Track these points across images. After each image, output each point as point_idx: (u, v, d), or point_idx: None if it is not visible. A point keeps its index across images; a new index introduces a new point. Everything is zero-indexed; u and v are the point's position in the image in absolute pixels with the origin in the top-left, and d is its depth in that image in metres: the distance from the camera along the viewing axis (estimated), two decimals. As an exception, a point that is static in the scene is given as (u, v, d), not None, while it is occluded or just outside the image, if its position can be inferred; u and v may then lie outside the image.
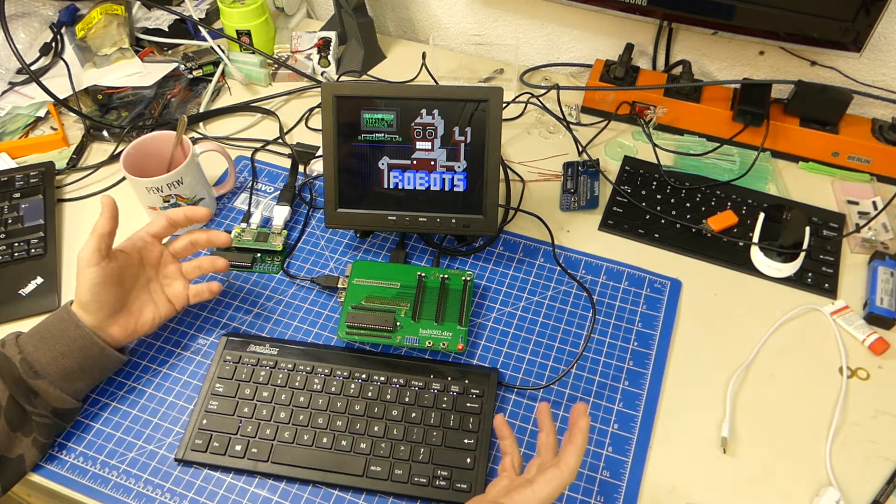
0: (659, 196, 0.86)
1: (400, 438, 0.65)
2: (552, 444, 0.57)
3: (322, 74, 1.04)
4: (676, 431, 0.67)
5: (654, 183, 0.87)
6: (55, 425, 0.65)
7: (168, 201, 0.79)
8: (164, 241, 0.72)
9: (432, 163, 0.76)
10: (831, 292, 0.77)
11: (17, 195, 0.85)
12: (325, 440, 0.65)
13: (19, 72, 1.00)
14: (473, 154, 0.75)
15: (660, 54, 0.99)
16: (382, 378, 0.69)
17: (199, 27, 1.02)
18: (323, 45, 1.03)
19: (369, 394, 0.68)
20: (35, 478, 0.64)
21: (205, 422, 0.67)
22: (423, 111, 0.74)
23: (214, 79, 1.00)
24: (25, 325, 0.75)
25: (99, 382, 0.69)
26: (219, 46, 1.01)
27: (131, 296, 0.68)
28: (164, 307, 0.70)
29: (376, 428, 0.66)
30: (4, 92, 0.98)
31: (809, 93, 0.86)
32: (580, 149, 0.92)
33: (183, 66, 1.00)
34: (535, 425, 0.67)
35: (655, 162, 0.89)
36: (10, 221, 0.83)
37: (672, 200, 0.86)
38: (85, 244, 0.63)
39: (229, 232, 0.82)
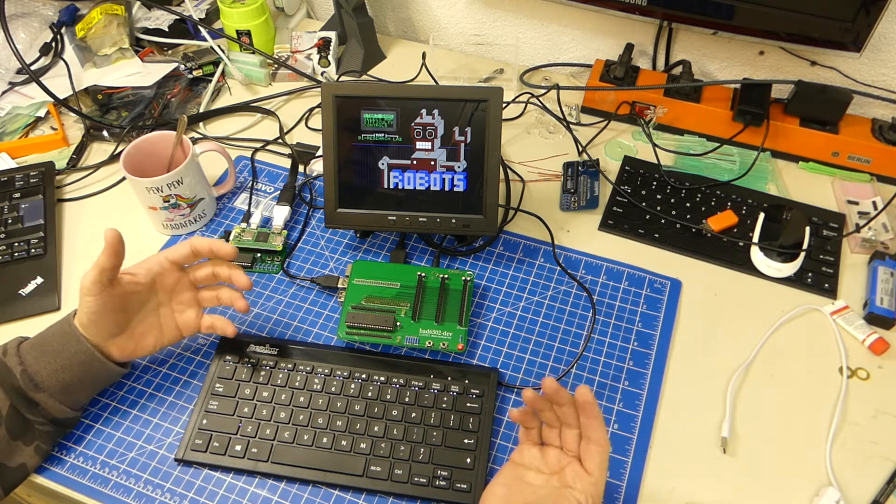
0: (659, 196, 0.86)
1: (400, 438, 0.65)
2: (575, 413, 0.57)
3: (322, 74, 1.04)
4: (676, 431, 0.67)
5: (654, 183, 0.87)
6: (57, 432, 0.65)
7: (168, 201, 0.79)
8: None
9: (432, 163, 0.76)
10: (831, 292, 0.77)
11: (17, 195, 0.85)
12: (325, 440, 0.65)
13: (19, 72, 1.00)
14: (473, 154, 0.75)
15: (660, 54, 0.99)
16: (382, 378, 0.69)
17: (199, 27, 1.02)
18: (323, 45, 1.03)
19: (369, 394, 0.68)
20: (35, 478, 0.64)
21: (205, 422, 0.67)
22: (423, 111, 0.74)
23: (214, 79, 1.00)
24: (25, 325, 0.75)
25: (98, 392, 0.68)
26: (219, 46, 1.01)
27: (135, 319, 0.66)
28: (169, 333, 0.68)
29: (376, 428, 0.66)
30: (4, 92, 0.98)
31: (809, 93, 0.86)
32: (580, 149, 0.92)
33: (183, 66, 1.00)
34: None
35: (655, 162, 0.89)
36: (10, 221, 0.83)
37: (672, 200, 0.86)
38: (88, 272, 0.61)
39: (230, 232, 0.82)
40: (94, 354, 0.63)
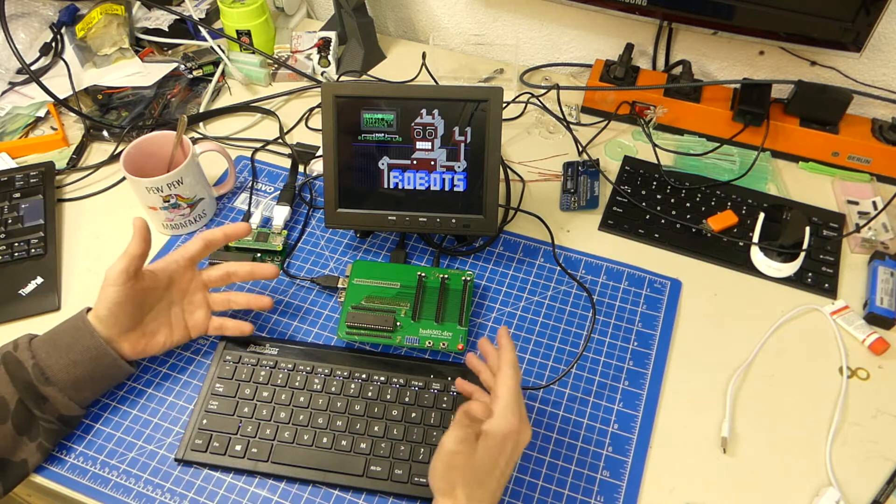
0: (659, 196, 0.86)
1: (400, 438, 0.65)
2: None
3: (322, 74, 1.04)
4: (676, 431, 0.67)
5: (654, 183, 0.87)
6: (60, 431, 0.65)
7: (168, 201, 0.79)
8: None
9: (432, 163, 0.76)
10: (831, 292, 0.77)
11: (17, 195, 0.85)
12: (325, 440, 0.65)
13: (19, 72, 1.00)
14: (473, 154, 0.75)
15: (660, 54, 0.99)
16: (382, 378, 0.69)
17: (199, 27, 1.02)
18: (323, 45, 1.03)
19: (369, 394, 0.68)
20: (35, 478, 0.64)
21: (205, 422, 0.67)
22: (423, 111, 0.74)
23: (214, 79, 1.00)
24: (25, 326, 0.75)
25: (106, 391, 0.68)
26: (219, 46, 1.01)
27: (148, 316, 0.67)
28: (179, 333, 0.69)
29: (376, 428, 0.66)
30: (4, 92, 0.98)
31: (809, 93, 0.86)
32: (580, 149, 0.92)
33: (183, 66, 1.00)
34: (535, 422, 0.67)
35: (655, 162, 0.89)
36: (10, 221, 0.83)
37: (672, 200, 0.86)
38: (115, 262, 0.62)
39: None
40: (105, 349, 0.63)
